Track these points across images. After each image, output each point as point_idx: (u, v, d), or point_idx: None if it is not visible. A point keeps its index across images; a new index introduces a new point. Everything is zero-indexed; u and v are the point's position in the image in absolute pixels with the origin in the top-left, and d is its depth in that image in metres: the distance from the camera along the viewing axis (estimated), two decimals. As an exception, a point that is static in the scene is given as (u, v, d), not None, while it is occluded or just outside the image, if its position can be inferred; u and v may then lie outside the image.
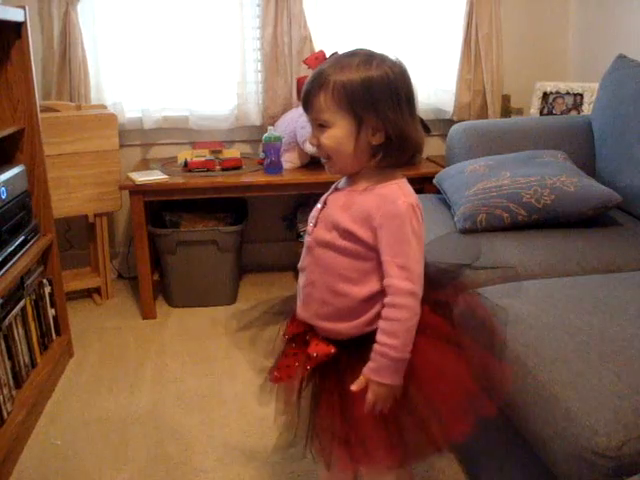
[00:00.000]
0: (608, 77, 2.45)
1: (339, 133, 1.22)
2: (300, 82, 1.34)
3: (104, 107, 2.85)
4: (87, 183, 2.77)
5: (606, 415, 1.12)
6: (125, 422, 2.05)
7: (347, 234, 1.24)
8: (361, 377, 1.24)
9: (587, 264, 1.85)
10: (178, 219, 2.86)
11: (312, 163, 2.91)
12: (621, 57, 2.43)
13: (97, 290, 2.96)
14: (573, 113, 2.94)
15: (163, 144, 3.13)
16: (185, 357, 2.45)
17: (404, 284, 1.19)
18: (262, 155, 2.87)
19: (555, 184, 2.08)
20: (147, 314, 2.78)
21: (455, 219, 2.13)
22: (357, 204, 1.24)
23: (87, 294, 2.98)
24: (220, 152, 2.89)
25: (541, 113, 3.05)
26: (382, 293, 1.23)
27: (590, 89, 2.86)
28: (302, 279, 1.36)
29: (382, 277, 1.22)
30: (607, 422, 1.10)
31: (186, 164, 2.78)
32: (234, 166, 2.81)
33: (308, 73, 1.31)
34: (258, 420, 2.04)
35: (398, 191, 1.23)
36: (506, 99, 3.17)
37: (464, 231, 2.07)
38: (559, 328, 1.41)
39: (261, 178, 2.74)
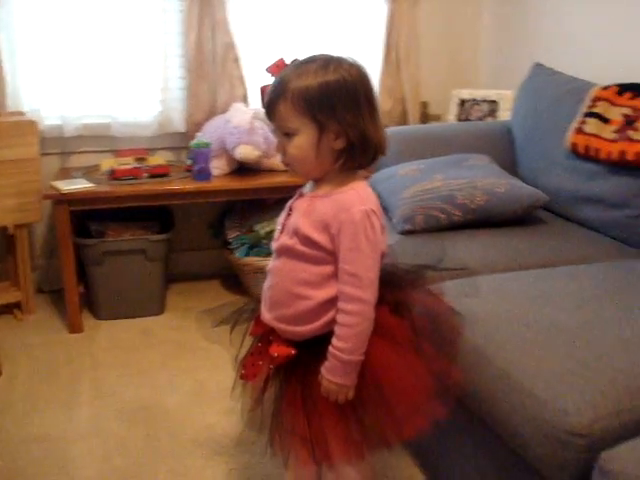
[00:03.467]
0: (526, 84, 2.60)
1: (303, 141, 1.24)
2: (263, 91, 1.35)
3: (22, 114, 2.74)
4: (6, 193, 2.64)
5: (574, 397, 1.20)
6: (67, 438, 1.97)
7: (307, 240, 1.27)
8: (320, 375, 1.30)
9: (523, 260, 1.95)
10: (104, 229, 2.78)
11: (241, 169, 2.91)
12: (538, 65, 2.59)
13: (17, 305, 2.82)
14: (489, 119, 3.08)
15: (83, 152, 3.02)
16: (120, 370, 2.38)
17: (353, 291, 1.24)
18: (189, 162, 2.84)
19: (486, 186, 2.18)
20: (74, 328, 2.68)
21: (394, 221, 2.19)
22: (317, 211, 1.27)
23: (7, 310, 2.83)
24: (145, 159, 2.83)
25: (458, 119, 3.18)
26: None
27: (505, 96, 3.01)
28: (267, 282, 1.38)
29: None
30: (576, 403, 1.18)
31: (112, 172, 2.70)
32: (162, 173, 2.77)
33: (271, 80, 1.32)
34: (205, 428, 2.02)
35: (355, 198, 1.26)
36: (424, 106, 3.29)
37: (403, 232, 2.13)
38: (514, 320, 1.48)
39: (191, 185, 2.71)
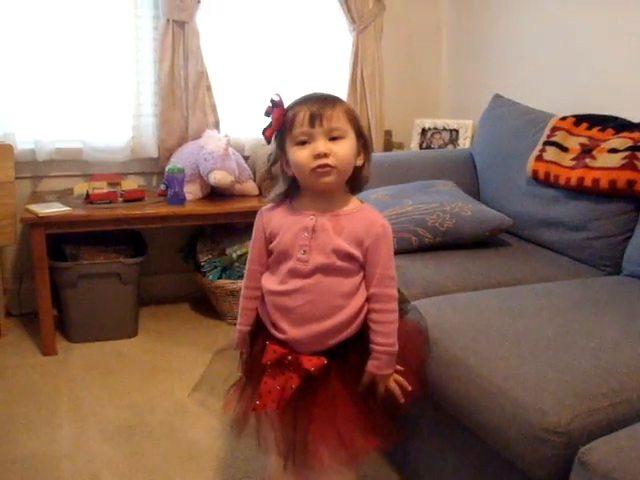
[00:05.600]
0: (487, 114, 2.76)
1: (350, 146, 1.37)
2: (273, 112, 1.45)
3: (-4, 138, 2.77)
4: (-20, 216, 2.66)
5: (551, 399, 1.31)
6: (53, 457, 1.99)
7: (345, 256, 1.39)
8: (366, 376, 1.43)
9: (492, 279, 2.07)
10: (78, 252, 2.81)
11: (213, 194, 2.98)
12: (497, 97, 2.75)
13: (-12, 329, 2.82)
14: (450, 147, 3.24)
15: (54, 176, 3.06)
16: (98, 391, 2.41)
17: (393, 291, 1.40)
18: (163, 187, 2.90)
19: (454, 209, 2.31)
20: (48, 350, 2.69)
21: (368, 243, 2.29)
22: (347, 228, 1.39)
23: (-22, 333, 2.83)
24: (118, 184, 2.88)
25: (420, 147, 3.33)
26: (366, 301, 1.42)
27: (465, 125, 3.17)
28: (292, 301, 1.41)
29: (365, 288, 1.42)
30: (553, 404, 1.29)
31: (88, 196, 2.75)
32: (137, 198, 2.82)
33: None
34: (189, 444, 2.07)
35: (375, 213, 1.44)
36: (388, 134, 3.43)
37: (377, 254, 2.24)
38: (490, 332, 1.60)
39: (166, 209, 2.78)
